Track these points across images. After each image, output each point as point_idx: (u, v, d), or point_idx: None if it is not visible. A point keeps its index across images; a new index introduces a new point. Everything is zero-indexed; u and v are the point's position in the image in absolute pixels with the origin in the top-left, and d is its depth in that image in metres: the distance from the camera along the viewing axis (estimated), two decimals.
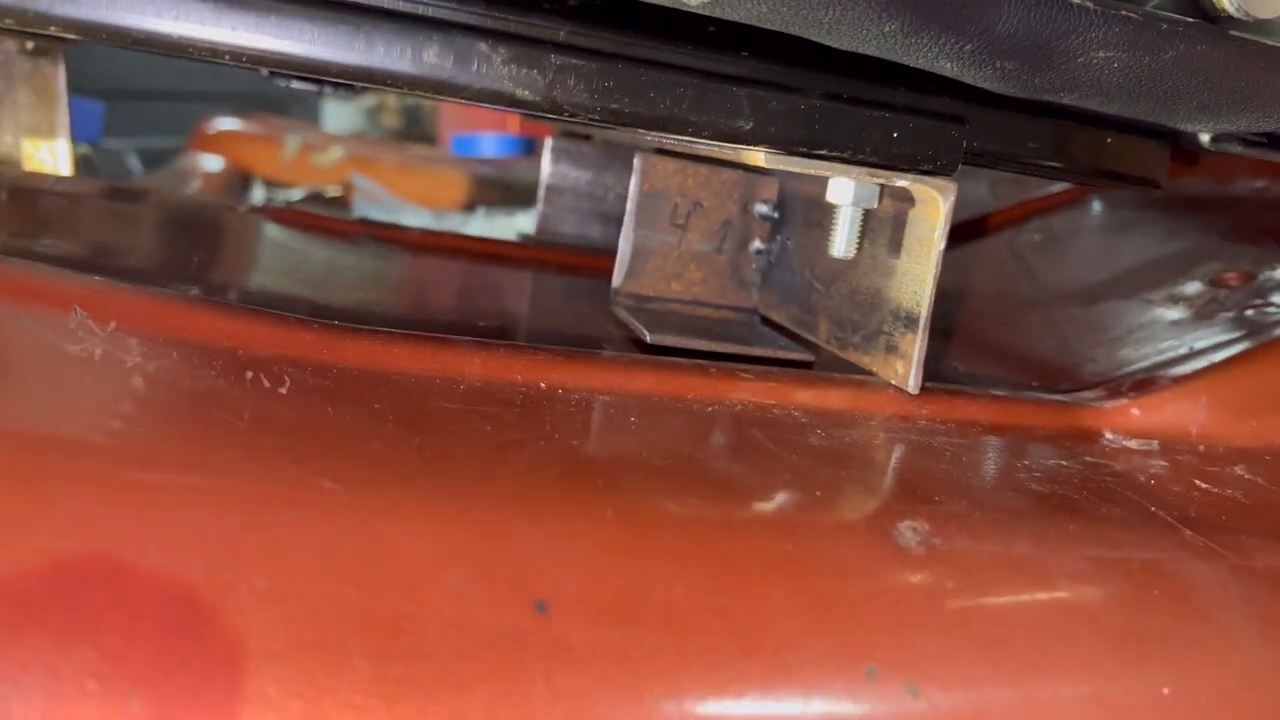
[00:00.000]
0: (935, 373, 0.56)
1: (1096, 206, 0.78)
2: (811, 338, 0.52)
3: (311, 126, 2.19)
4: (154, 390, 0.30)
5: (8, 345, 0.31)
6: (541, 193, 0.80)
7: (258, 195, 1.75)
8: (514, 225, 1.51)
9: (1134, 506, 0.36)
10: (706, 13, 0.34)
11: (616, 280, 0.56)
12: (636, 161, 0.55)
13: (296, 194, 1.78)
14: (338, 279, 0.56)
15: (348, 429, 0.30)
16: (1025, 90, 0.38)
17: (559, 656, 0.24)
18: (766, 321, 0.58)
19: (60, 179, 0.70)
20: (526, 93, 0.36)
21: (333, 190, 1.79)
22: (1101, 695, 0.28)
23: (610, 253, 0.57)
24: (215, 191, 1.67)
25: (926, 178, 0.41)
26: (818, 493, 0.32)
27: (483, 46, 0.35)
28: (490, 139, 2.35)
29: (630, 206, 0.55)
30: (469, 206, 1.72)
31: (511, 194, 1.70)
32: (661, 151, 0.55)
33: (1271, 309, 0.54)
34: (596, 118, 0.37)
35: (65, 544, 0.23)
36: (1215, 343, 0.52)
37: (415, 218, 1.61)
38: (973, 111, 0.42)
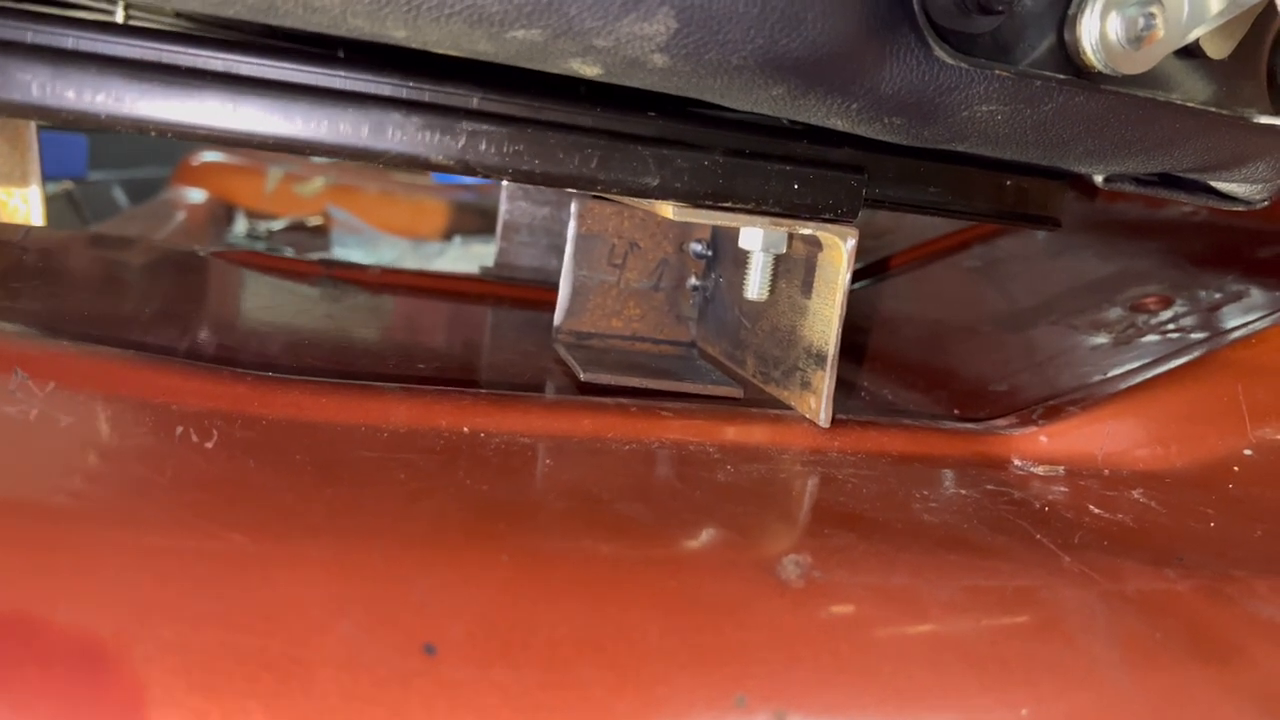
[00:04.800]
0: (866, 402, 0.58)
1: (1033, 234, 0.80)
2: (741, 372, 0.55)
3: (295, 158, 2.22)
4: (83, 449, 0.32)
5: None
6: (499, 229, 0.82)
7: (240, 227, 1.78)
8: (488, 253, 1.54)
9: (1020, 535, 0.38)
10: (603, 80, 0.36)
11: (558, 319, 0.58)
12: (573, 206, 0.57)
13: (279, 224, 1.81)
14: (288, 325, 0.58)
15: (265, 482, 0.33)
16: (917, 141, 0.41)
17: (445, 696, 0.26)
18: (704, 355, 0.60)
19: (30, 230, 0.73)
20: (441, 157, 0.38)
21: (314, 220, 1.81)
22: (963, 718, 0.30)
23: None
24: (199, 224, 1.69)
25: (829, 225, 0.44)
26: (712, 530, 0.35)
27: (397, 115, 0.38)
28: None
29: (569, 248, 0.58)
30: (448, 235, 1.75)
31: (489, 220, 1.73)
32: (598, 196, 0.58)
33: (1184, 333, 0.57)
34: (509, 178, 0.39)
35: None
36: (1130, 368, 0.55)
37: (390, 248, 1.64)
38: (872, 160, 0.45)
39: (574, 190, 0.41)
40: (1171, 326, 0.57)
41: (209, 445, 0.35)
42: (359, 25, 0.33)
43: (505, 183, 0.81)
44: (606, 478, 0.38)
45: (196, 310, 0.58)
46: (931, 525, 0.38)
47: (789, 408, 0.48)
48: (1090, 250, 0.71)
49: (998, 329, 0.65)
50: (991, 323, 0.66)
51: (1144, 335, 0.58)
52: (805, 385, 0.47)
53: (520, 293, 0.76)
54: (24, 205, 0.82)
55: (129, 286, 0.61)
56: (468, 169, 0.39)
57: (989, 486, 0.43)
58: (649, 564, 0.32)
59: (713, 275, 0.59)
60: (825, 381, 0.45)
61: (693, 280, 0.60)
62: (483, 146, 0.38)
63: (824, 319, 0.45)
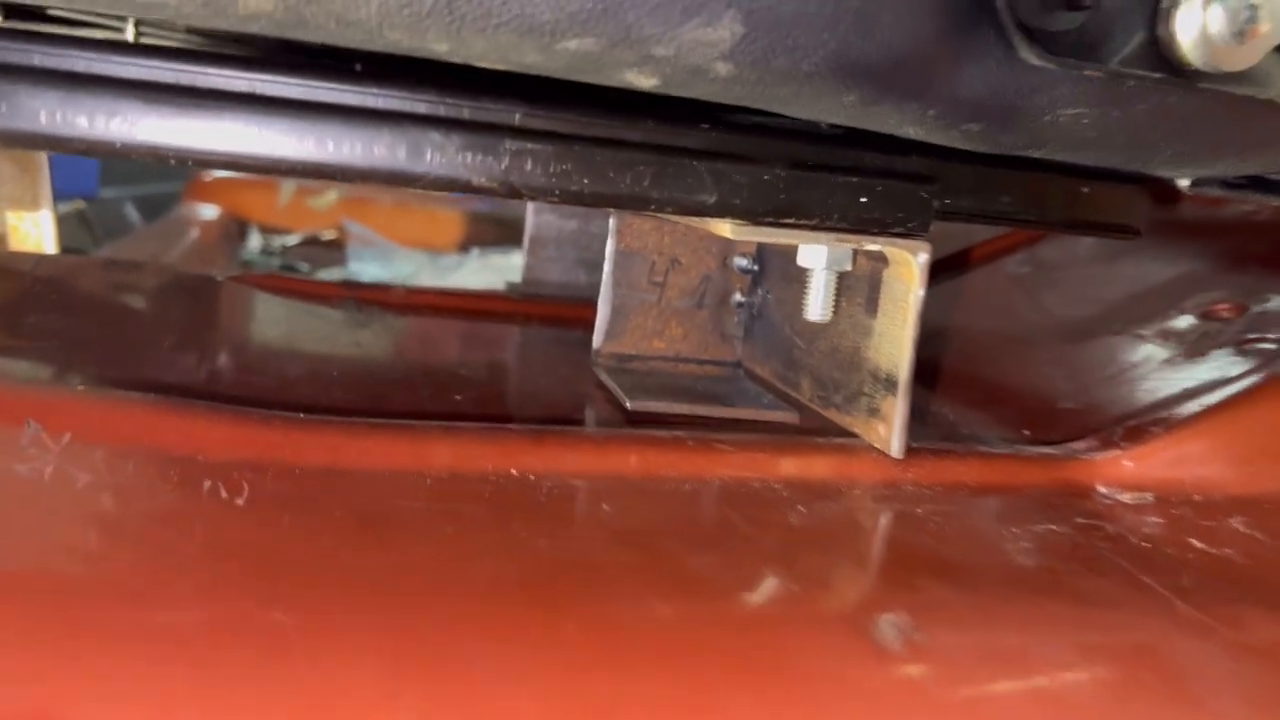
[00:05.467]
0: (923, 420, 0.55)
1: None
2: (795, 394, 0.51)
3: None
4: (104, 514, 0.29)
5: None
6: (526, 243, 0.79)
7: (254, 243, 1.75)
8: (509, 265, 1.51)
9: (1125, 578, 0.35)
10: (659, 92, 0.33)
11: (597, 341, 0.55)
12: (612, 222, 0.54)
13: (293, 239, 1.78)
14: (314, 354, 0.55)
15: (303, 545, 0.29)
16: (994, 148, 0.38)
17: None
18: (751, 375, 0.57)
19: (42, 259, 0.70)
20: (483, 179, 0.35)
21: (328, 234, 1.79)
22: None
23: (595, 301, 0.56)
24: (212, 241, 1.67)
25: (899, 239, 0.40)
26: (793, 585, 0.31)
27: (435, 135, 0.34)
28: None
29: (608, 266, 0.55)
30: (464, 246, 1.72)
31: (506, 231, 1.70)
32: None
33: (1265, 343, 0.53)
34: (556, 199, 0.36)
35: None
36: (1208, 381, 0.51)
37: (407, 262, 1.61)
38: (943, 169, 0.41)
39: (624, 210, 0.38)
40: (1252, 335, 0.54)
41: (240, 502, 0.32)
42: (397, 39, 0.30)
43: None
44: (670, 524, 0.35)
45: (215, 342, 0.55)
46: (1029, 570, 0.34)
47: (851, 434, 0.45)
48: (1150, 253, 0.67)
49: (1058, 340, 0.62)
50: (1050, 333, 0.63)
51: (1219, 346, 0.54)
52: (873, 412, 0.43)
53: (550, 310, 0.73)
54: (35, 230, 0.80)
55: (145, 317, 0.58)
56: (513, 191, 0.36)
57: (1079, 520, 0.40)
58: (728, 628, 0.29)
59: (759, 291, 0.56)
60: (897, 409, 0.42)
61: (738, 297, 0.57)
62: (528, 166, 0.35)
63: (894, 340, 0.42)
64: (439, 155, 0.34)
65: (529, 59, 0.31)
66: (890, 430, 0.42)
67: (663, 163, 0.37)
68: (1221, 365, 0.53)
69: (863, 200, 0.39)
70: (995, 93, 0.35)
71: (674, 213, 0.38)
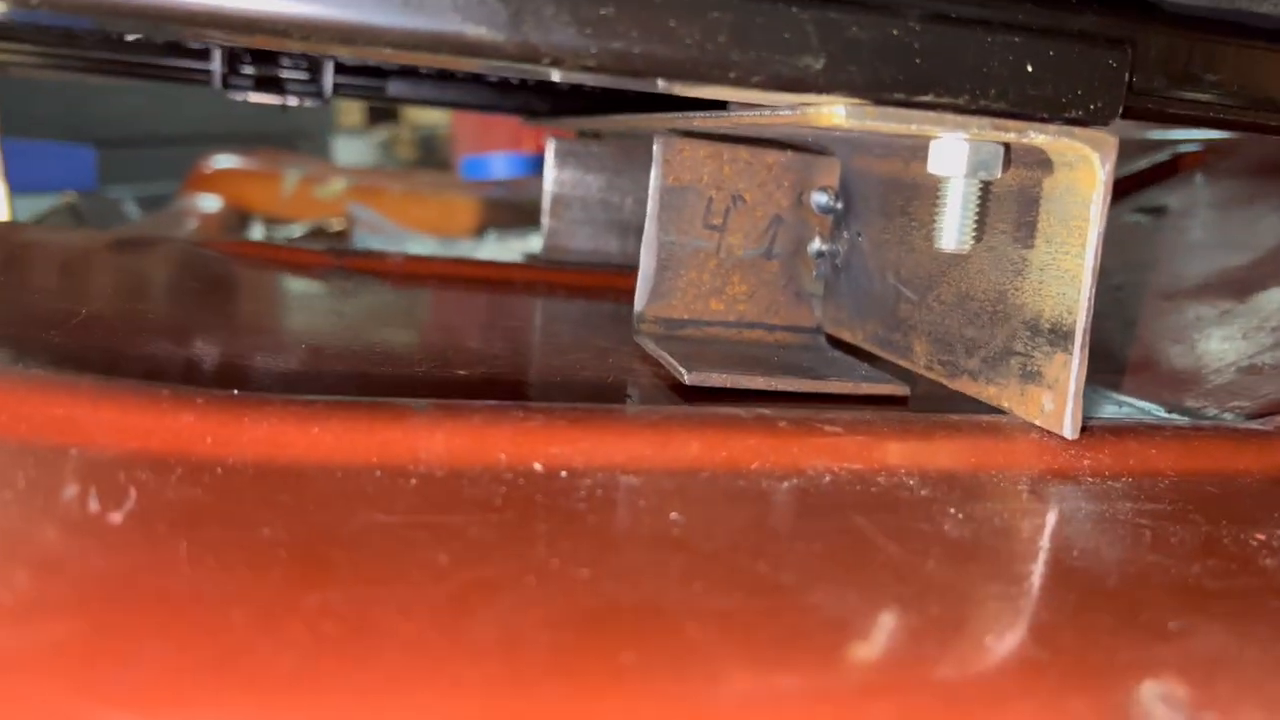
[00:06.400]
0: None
1: (1204, 176, 0.64)
2: (903, 362, 0.39)
3: (315, 160, 2.09)
4: None
5: None
6: (547, 204, 0.68)
7: (257, 234, 1.65)
8: (527, 247, 1.39)
9: None
10: None
11: (639, 302, 0.44)
12: (656, 147, 0.42)
13: (298, 230, 1.68)
14: (280, 329, 0.44)
15: (211, 588, 0.18)
16: None
17: None
18: (835, 343, 0.45)
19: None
20: (483, 29, 0.24)
21: (336, 224, 1.68)
22: None
23: (631, 270, 0.44)
24: (213, 233, 1.57)
25: (1075, 128, 0.29)
26: (986, 639, 0.20)
27: None
28: (501, 160, 2.24)
29: (652, 206, 0.43)
30: (480, 232, 1.61)
31: (524, 215, 1.59)
32: (689, 134, 0.43)
33: None
34: (591, 64, 0.25)
35: None
36: None
37: (419, 246, 1.50)
38: (1134, 32, 0.29)
39: (691, 86, 0.26)
40: None
41: (115, 518, 0.20)
42: None
43: (554, 148, 0.66)
44: (770, 543, 0.23)
45: (170, 314, 0.44)
46: None
47: (996, 410, 0.33)
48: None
49: (1192, 296, 0.49)
50: (1182, 288, 0.51)
51: None
52: (1031, 376, 0.32)
53: (577, 278, 0.61)
54: None
55: (86, 281, 0.47)
56: (528, 50, 0.24)
57: None
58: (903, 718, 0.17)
59: (845, 234, 0.44)
60: (1072, 370, 0.30)
61: (816, 244, 0.45)
62: (550, 10, 0.24)
63: (1064, 276, 0.30)
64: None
65: None
66: (1063, 400, 0.30)
67: (749, 9, 0.25)
68: None
69: (1028, 69, 0.27)
70: None
71: (763, 86, 0.26)
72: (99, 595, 0.17)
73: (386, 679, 0.16)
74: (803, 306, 0.45)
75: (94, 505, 0.21)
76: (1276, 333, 0.43)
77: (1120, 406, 0.40)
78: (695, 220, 0.44)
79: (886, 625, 0.20)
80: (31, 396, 0.25)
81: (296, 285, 0.53)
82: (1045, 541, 0.25)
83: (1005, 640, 0.20)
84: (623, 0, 0.24)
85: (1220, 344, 0.44)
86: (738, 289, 0.45)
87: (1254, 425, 0.34)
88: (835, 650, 0.19)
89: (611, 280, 0.60)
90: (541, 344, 0.48)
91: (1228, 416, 0.38)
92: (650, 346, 0.41)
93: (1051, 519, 0.27)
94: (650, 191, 0.43)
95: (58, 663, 0.15)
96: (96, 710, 0.14)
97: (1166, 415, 0.38)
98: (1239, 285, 0.48)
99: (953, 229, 0.31)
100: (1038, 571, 0.23)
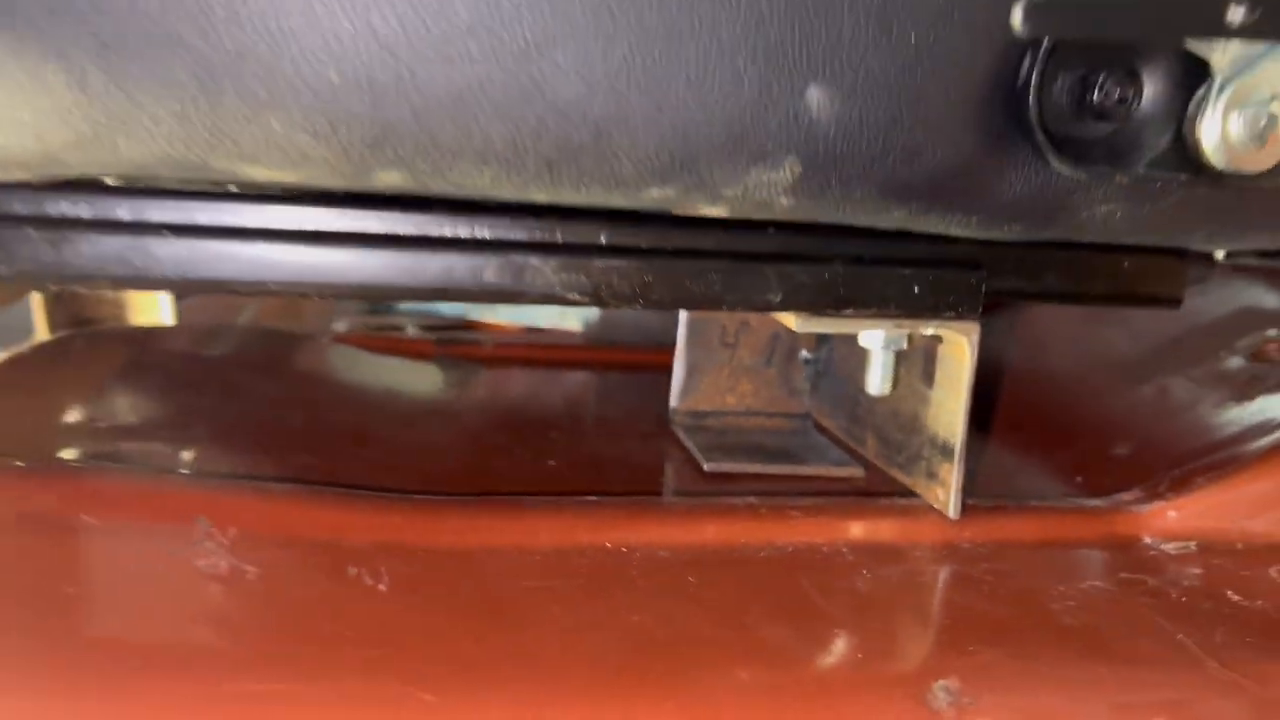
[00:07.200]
0: (976, 466, 0.58)
1: None
2: (860, 450, 0.56)
3: None
4: (270, 603, 0.35)
5: (144, 563, 0.37)
6: None
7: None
8: None
9: (1162, 636, 0.38)
10: (729, 215, 0.38)
11: (674, 400, 0.60)
12: None
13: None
14: (419, 423, 0.61)
15: (440, 628, 0.35)
16: (1037, 239, 0.41)
17: None
18: (819, 426, 0.61)
19: (161, 330, 0.77)
20: (575, 294, 0.40)
21: None
22: None
23: (668, 344, 0.61)
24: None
25: (951, 323, 0.44)
26: (858, 653, 0.36)
27: (534, 259, 0.40)
28: None
29: (681, 331, 0.59)
30: None
31: None
32: None
33: None
34: (640, 305, 0.41)
35: None
36: (1255, 425, 0.54)
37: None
38: (989, 254, 0.45)
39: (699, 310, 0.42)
40: None
41: (381, 587, 0.37)
42: (504, 194, 0.35)
43: None
44: (748, 595, 0.40)
45: (331, 412, 0.61)
46: (1074, 630, 0.38)
47: (912, 493, 0.49)
48: (1195, 290, 0.70)
49: (1108, 381, 0.65)
50: (1090, 373, 0.66)
51: (1269, 391, 0.57)
52: (931, 475, 0.47)
53: (625, 358, 0.78)
54: (153, 301, 0.87)
55: (257, 389, 0.64)
56: (600, 302, 0.41)
57: (1123, 575, 0.43)
58: (800, 696, 0.33)
59: (825, 347, 0.60)
60: (953, 474, 0.46)
61: (804, 354, 0.61)
62: (615, 281, 0.40)
63: (949, 411, 0.46)
64: (536, 277, 0.40)
65: (616, 202, 0.36)
66: (949, 493, 0.46)
67: (733, 269, 0.41)
68: (1270, 409, 0.56)
69: (915, 290, 0.43)
70: (1033, 198, 0.39)
71: (743, 310, 0.42)
72: (389, 627, 0.34)
73: (540, 683, 0.33)
74: (795, 399, 0.62)
75: (366, 579, 0.38)
76: (1143, 419, 0.58)
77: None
78: (714, 340, 0.60)
79: (800, 644, 0.36)
80: (312, 511, 0.42)
81: (417, 371, 0.70)
82: (915, 591, 0.41)
83: (863, 651, 0.36)
84: (657, 271, 0.41)
85: (1106, 426, 0.60)
86: (745, 388, 0.61)
87: (1096, 503, 0.50)
88: (774, 659, 0.35)
89: (654, 358, 0.77)
90: (603, 430, 0.64)
91: (1090, 500, 0.53)
92: (682, 435, 0.58)
93: (926, 575, 0.43)
94: (679, 321, 0.59)
95: (382, 664, 0.32)
96: (411, 686, 0.31)
97: (1036, 495, 0.53)
98: (1126, 374, 0.64)
99: (876, 381, 0.47)
100: (901, 610, 0.39)
